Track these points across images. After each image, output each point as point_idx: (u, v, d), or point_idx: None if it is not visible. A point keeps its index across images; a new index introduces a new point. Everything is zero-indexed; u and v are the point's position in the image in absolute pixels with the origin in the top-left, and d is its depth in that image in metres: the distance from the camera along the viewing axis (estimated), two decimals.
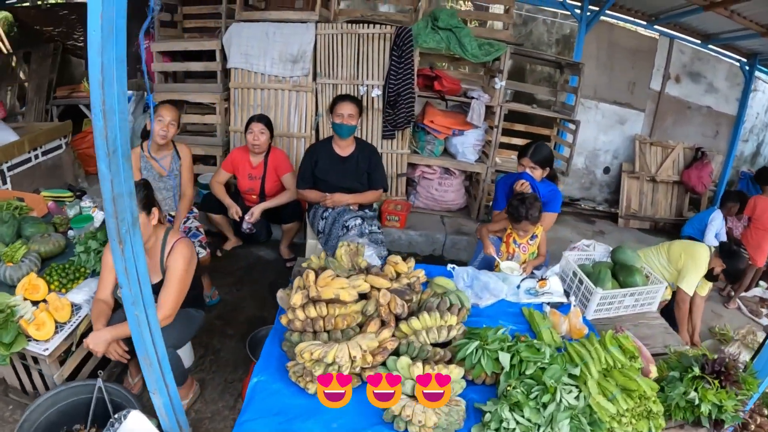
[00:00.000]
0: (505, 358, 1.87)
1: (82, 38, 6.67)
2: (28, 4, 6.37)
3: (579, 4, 5.46)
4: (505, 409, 1.67)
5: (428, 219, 4.72)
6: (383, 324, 1.95)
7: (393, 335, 1.91)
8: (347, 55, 4.31)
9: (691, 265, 3.54)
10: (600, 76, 5.94)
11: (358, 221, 3.24)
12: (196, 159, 4.96)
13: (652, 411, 1.81)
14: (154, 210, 2.20)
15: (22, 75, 6.69)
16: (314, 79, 4.43)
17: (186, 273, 2.24)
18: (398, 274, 2.28)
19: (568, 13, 5.56)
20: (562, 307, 2.57)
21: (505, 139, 5.05)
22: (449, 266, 2.79)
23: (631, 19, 5.91)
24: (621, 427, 1.74)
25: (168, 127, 3.20)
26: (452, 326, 2.03)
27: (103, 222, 3.49)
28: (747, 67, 6.56)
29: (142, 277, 1.52)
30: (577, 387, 1.80)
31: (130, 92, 5.78)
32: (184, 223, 3.38)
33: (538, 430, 1.65)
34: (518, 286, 2.71)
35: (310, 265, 2.29)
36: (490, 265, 3.04)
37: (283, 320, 1.93)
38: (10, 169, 4.22)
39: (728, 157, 6.82)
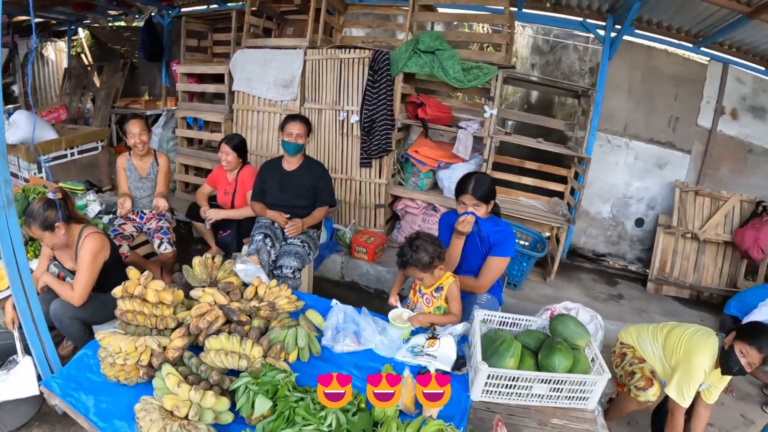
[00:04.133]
0: (262, 402, 1.96)
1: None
2: (97, 25, 8.05)
3: (602, 23, 5.41)
4: None
5: None
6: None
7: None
8: (330, 81, 4.97)
9: (684, 368, 2.89)
10: (634, 110, 5.76)
11: (259, 236, 3.74)
12: (205, 172, 5.97)
13: None
14: (57, 226, 2.79)
15: (97, 84, 8.37)
16: (302, 104, 5.17)
17: (91, 262, 2.82)
18: (261, 297, 2.80)
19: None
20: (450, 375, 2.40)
21: (514, 178, 5.29)
22: (333, 302, 2.88)
23: (671, 40, 5.68)
24: None
25: (140, 137, 4.08)
26: (249, 356, 2.26)
27: (97, 213, 4.52)
28: None
29: (16, 246, 2.24)
30: None
31: (163, 108, 7.07)
32: (157, 222, 4.22)
33: None
34: (408, 341, 2.64)
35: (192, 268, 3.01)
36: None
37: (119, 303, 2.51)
38: (47, 161, 5.50)
39: None
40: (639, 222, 6.10)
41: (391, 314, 2.81)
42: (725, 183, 5.93)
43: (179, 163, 6.07)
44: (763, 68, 5.75)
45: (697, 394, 3.00)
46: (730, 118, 5.85)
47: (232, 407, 2.08)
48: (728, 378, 2.97)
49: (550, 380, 2.30)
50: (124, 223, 4.16)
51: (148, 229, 4.20)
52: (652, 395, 2.94)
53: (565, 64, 6.15)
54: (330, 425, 1.89)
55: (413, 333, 2.76)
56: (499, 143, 4.87)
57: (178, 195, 6.07)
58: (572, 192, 5.25)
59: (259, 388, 2.01)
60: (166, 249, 4.06)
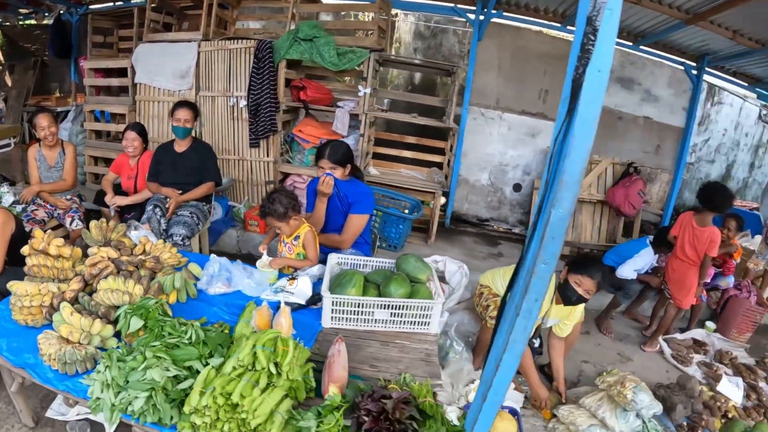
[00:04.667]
0: (136, 322, 2.45)
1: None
2: (8, 23, 8.53)
3: (473, 8, 6.22)
4: (106, 361, 2.26)
5: None
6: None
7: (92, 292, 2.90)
8: (221, 70, 5.73)
9: None
10: (504, 85, 6.62)
11: (150, 207, 4.43)
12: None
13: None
14: None
15: (9, 83, 8.81)
16: (197, 92, 5.88)
17: (0, 234, 3.20)
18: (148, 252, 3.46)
19: None
20: (304, 311, 3.01)
21: (394, 152, 6.18)
22: (212, 256, 3.44)
23: (539, 21, 6.51)
24: (200, 417, 2.03)
25: (49, 129, 4.63)
26: (131, 293, 2.75)
27: (11, 203, 4.97)
28: (694, 72, 6.90)
29: None
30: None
31: (73, 104, 7.61)
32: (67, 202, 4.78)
33: (117, 387, 2.18)
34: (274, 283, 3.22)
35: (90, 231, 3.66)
36: None
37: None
38: None
39: (675, 176, 7.05)
40: (516, 187, 7.03)
41: (258, 262, 3.38)
42: (597, 148, 6.79)
43: (88, 156, 6.69)
44: (630, 43, 6.71)
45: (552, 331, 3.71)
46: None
47: (119, 336, 2.58)
48: (577, 313, 3.61)
49: (389, 305, 2.82)
50: (36, 209, 4.71)
51: (59, 213, 4.78)
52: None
53: (445, 47, 7.01)
54: (190, 337, 2.37)
55: (280, 278, 3.33)
56: (383, 121, 5.67)
57: (88, 186, 6.67)
58: (448, 163, 6.11)
59: (134, 311, 2.52)
60: (77, 225, 4.65)
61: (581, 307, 3.62)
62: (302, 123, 5.84)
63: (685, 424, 3.84)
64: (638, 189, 6.28)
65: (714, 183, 4.85)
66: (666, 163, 7.23)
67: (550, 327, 3.71)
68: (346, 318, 2.88)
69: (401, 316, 2.88)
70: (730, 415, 4.12)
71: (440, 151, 6.26)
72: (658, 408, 3.46)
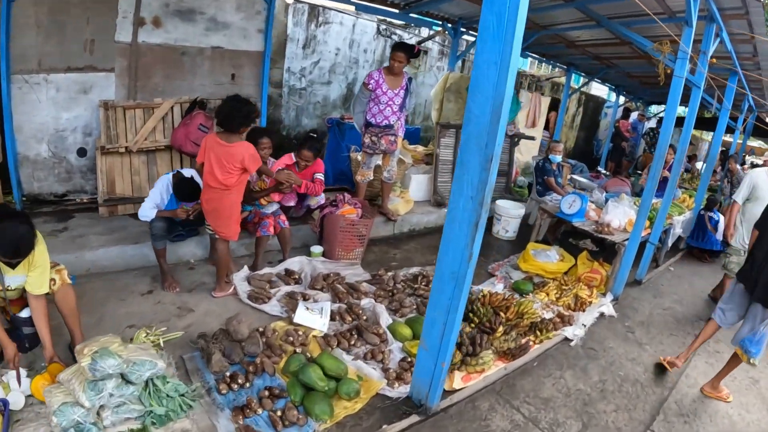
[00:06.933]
0: None
1: None
2: None
3: None
4: None
5: None
6: None
7: None
8: None
9: None
10: (45, 43, 6.42)
11: None
12: None
13: None
14: None
15: None
16: None
17: None
18: None
19: None
20: None
21: None
22: None
23: None
24: None
25: None
26: None
27: None
28: None
29: None
30: None
31: None
32: None
33: None
34: None
35: None
36: None
37: None
38: None
39: (262, 101, 7.65)
40: (81, 152, 7.01)
41: None
42: (162, 90, 7.21)
43: None
44: None
45: None
46: (153, 26, 7.04)
47: None
48: (37, 260, 3.38)
49: None
50: None
51: None
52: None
53: None
54: None
55: None
56: None
57: None
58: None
59: None
60: None
61: (43, 257, 3.46)
62: None
63: (228, 374, 3.71)
64: (198, 124, 6.54)
65: (225, 99, 4.78)
66: (250, 90, 7.80)
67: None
68: None
69: None
70: (299, 350, 4.14)
71: None
72: (155, 368, 3.30)
